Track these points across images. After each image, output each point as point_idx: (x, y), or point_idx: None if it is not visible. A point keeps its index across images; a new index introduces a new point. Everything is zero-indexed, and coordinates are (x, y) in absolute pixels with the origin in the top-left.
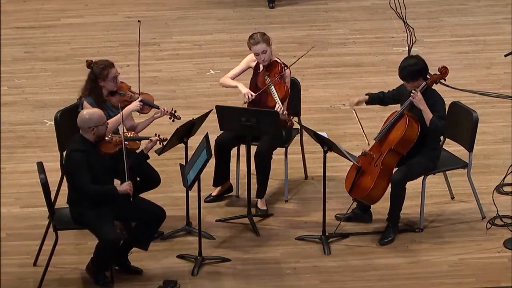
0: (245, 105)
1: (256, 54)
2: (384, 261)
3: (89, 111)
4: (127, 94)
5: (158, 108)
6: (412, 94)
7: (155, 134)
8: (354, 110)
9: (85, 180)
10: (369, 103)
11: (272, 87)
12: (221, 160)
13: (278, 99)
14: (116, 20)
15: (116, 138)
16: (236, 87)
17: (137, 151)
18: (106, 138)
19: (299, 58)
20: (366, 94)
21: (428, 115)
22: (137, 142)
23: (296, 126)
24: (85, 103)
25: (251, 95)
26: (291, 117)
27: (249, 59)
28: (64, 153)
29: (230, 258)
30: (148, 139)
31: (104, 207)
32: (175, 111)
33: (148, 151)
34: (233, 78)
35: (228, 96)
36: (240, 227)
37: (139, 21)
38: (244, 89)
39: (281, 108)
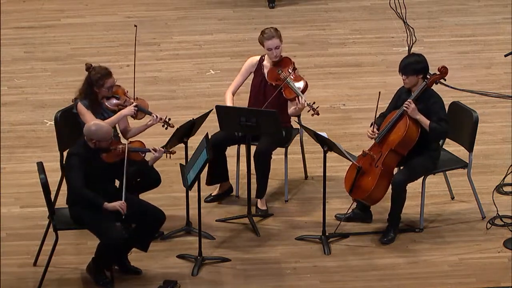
0: None
1: (269, 49)
2: (384, 261)
3: (98, 125)
4: (122, 98)
5: (151, 115)
6: (405, 105)
7: (162, 147)
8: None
9: (76, 181)
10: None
11: (290, 80)
12: (215, 160)
13: (299, 91)
14: (116, 20)
15: (119, 149)
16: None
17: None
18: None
19: None
20: (371, 125)
21: (425, 122)
22: (140, 153)
23: (296, 126)
24: (79, 105)
25: None
26: (314, 103)
27: (249, 65)
28: (65, 153)
29: (230, 258)
30: (150, 151)
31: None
32: (169, 119)
33: (153, 163)
34: (235, 90)
35: None
36: (240, 227)
37: (135, 25)
38: None
39: (304, 100)
